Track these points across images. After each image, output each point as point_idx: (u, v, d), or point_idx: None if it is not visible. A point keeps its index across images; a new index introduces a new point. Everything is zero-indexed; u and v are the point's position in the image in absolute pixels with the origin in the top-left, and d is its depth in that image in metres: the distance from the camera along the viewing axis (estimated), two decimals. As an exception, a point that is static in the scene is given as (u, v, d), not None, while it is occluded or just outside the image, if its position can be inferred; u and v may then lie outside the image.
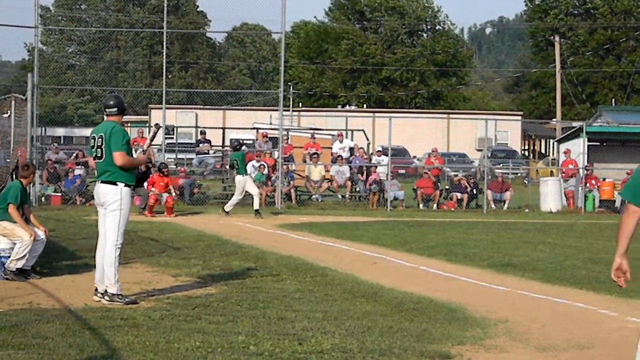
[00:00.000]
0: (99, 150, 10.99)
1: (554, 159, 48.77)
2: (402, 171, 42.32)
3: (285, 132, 34.23)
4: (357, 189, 32.53)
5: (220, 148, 39.19)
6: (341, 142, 34.82)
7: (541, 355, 8.60)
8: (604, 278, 13.54)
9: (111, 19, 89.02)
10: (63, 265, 14.06)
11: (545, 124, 72.96)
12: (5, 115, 23.79)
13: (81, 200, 29.69)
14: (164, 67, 32.99)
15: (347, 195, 32.30)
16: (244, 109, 63.68)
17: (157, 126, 13.12)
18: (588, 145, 33.27)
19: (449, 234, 21.33)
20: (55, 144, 41.20)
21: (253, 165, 30.69)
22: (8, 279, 12.57)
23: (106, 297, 10.81)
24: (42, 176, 29.89)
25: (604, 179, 32.93)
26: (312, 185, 32.18)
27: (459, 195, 32.01)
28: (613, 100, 78.70)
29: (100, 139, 10.97)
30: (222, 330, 9.09)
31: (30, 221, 13.17)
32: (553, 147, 63.50)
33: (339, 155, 33.05)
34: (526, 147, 77.73)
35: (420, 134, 55.88)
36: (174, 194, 26.77)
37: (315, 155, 32.52)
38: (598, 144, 35.58)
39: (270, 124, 43.03)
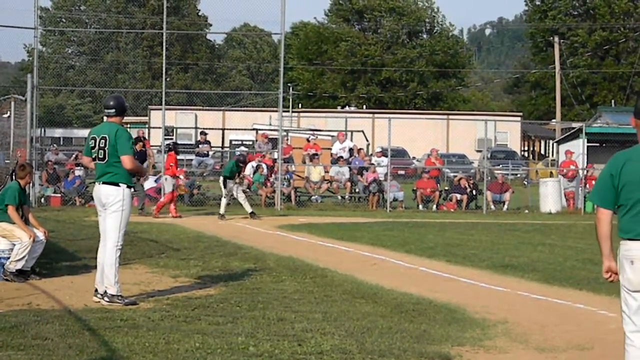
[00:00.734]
0: (101, 151, 10.97)
1: (554, 160, 48.78)
2: (401, 172, 42.30)
3: (284, 133, 34.23)
4: (357, 190, 32.53)
5: (220, 149, 39.18)
6: (342, 142, 34.81)
7: (541, 356, 8.60)
8: (603, 279, 13.56)
9: (111, 20, 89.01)
10: (62, 266, 14.06)
11: (544, 125, 72.98)
12: (5, 116, 23.79)
13: (81, 201, 29.69)
14: (164, 69, 32.98)
15: (346, 196, 32.30)
16: (243, 110, 63.68)
17: None
18: (587, 146, 33.28)
19: (448, 235, 21.32)
20: (54, 145, 41.19)
21: (252, 166, 30.70)
22: (7, 280, 12.57)
23: (106, 298, 10.81)
24: (41, 177, 29.91)
25: (604, 180, 32.86)
26: (312, 187, 32.19)
27: (458, 196, 32.00)
28: (612, 101, 78.72)
29: (102, 140, 10.94)
30: (221, 331, 9.09)
31: (29, 222, 13.16)
32: (553, 148, 63.54)
33: (340, 157, 33.05)
34: (526, 148, 77.75)
35: (420, 135, 55.83)
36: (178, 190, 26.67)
37: (315, 156, 32.52)
38: (597, 144, 35.56)
39: (270, 125, 43.01)
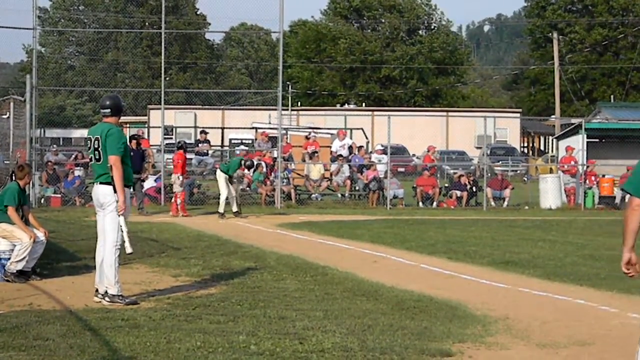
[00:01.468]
0: (96, 152, 10.95)
1: (553, 156, 48.77)
2: (401, 169, 42.29)
3: (284, 132, 34.22)
4: (357, 188, 32.53)
5: (220, 148, 39.16)
6: (341, 140, 34.80)
7: (542, 352, 8.60)
8: (604, 274, 13.58)
9: (110, 20, 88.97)
10: (63, 266, 14.07)
11: (544, 121, 73.01)
12: (4, 117, 23.80)
13: (81, 201, 29.68)
14: (163, 68, 32.98)
15: (346, 194, 32.30)
16: (242, 109, 63.66)
17: None
18: (587, 142, 33.28)
19: (449, 232, 21.33)
20: (54, 145, 41.19)
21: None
22: (8, 281, 12.56)
23: (106, 298, 10.81)
24: (41, 178, 29.91)
25: (604, 176, 32.92)
26: (312, 185, 32.18)
27: (458, 193, 32.01)
28: (612, 96, 78.77)
29: (96, 141, 10.93)
30: (222, 330, 9.09)
31: (29, 223, 13.15)
32: (552, 144, 63.53)
33: (339, 155, 33.04)
34: (525, 144, 77.74)
35: (419, 132, 55.85)
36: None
37: (315, 154, 32.52)
38: (597, 140, 35.57)
39: (269, 123, 43.02)
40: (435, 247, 17.82)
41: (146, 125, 47.68)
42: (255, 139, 37.68)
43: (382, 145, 34.93)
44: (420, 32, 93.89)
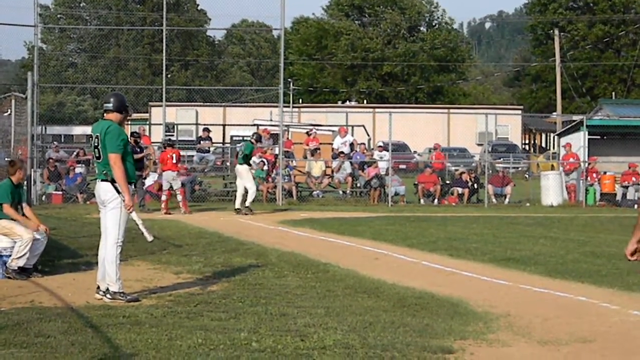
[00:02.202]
0: (96, 150, 10.94)
1: (555, 153, 48.75)
2: (402, 166, 42.27)
3: (285, 128, 34.22)
4: (358, 185, 32.53)
5: (221, 145, 39.16)
6: (343, 137, 34.79)
7: (543, 349, 8.60)
8: (605, 272, 13.58)
9: (111, 17, 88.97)
10: (64, 263, 14.06)
11: (545, 118, 72.94)
12: (6, 114, 23.78)
13: (82, 198, 29.71)
14: (164, 65, 32.98)
15: (347, 191, 32.31)
16: (244, 106, 63.67)
17: None
18: (588, 139, 33.26)
19: (450, 229, 21.32)
20: (55, 142, 41.19)
21: (254, 162, 30.69)
22: (10, 278, 12.56)
23: (108, 295, 10.81)
24: (42, 175, 29.92)
25: (605, 173, 32.91)
26: (313, 182, 32.19)
27: (459, 190, 32.02)
28: (613, 93, 78.72)
29: (96, 139, 10.92)
30: (224, 327, 9.09)
31: (28, 218, 13.11)
32: (553, 140, 63.51)
33: (341, 152, 33.04)
34: (527, 141, 77.70)
35: (421, 129, 55.81)
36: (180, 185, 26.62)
37: (317, 151, 32.51)
38: (598, 137, 35.54)
39: (271, 120, 43.01)
40: (436, 244, 17.81)
41: (148, 123, 47.66)
42: (257, 136, 37.62)
43: (384, 142, 34.93)
44: (421, 29, 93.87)
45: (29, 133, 27.32)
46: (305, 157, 33.14)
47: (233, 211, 25.64)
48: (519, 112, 69.47)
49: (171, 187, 25.94)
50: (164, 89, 31.97)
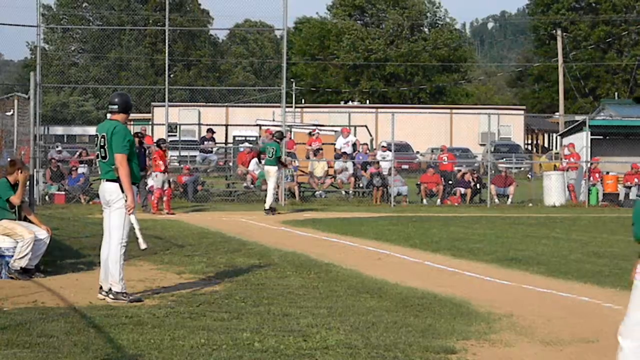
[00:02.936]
0: (102, 150, 10.94)
1: (557, 153, 48.72)
2: (405, 166, 42.27)
3: (287, 129, 34.22)
4: (361, 185, 32.52)
5: (224, 145, 39.19)
6: (345, 137, 34.78)
7: (546, 349, 8.60)
8: (608, 272, 13.57)
9: (114, 17, 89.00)
10: (67, 263, 14.06)
11: (548, 118, 72.97)
12: (8, 114, 23.79)
13: (85, 198, 29.71)
14: (167, 65, 32.98)
15: (350, 191, 32.30)
16: (246, 106, 63.71)
17: None
18: (591, 139, 33.25)
19: (452, 229, 21.32)
20: (58, 142, 41.23)
21: (255, 162, 30.70)
22: (12, 278, 12.56)
23: (110, 295, 10.81)
24: (45, 175, 29.92)
25: (608, 173, 32.90)
26: (316, 182, 32.18)
27: (462, 190, 32.01)
28: (616, 93, 78.69)
29: (102, 139, 10.92)
30: (226, 327, 9.09)
31: (30, 222, 13.09)
32: (556, 141, 63.48)
33: (344, 152, 33.03)
34: (529, 141, 77.68)
35: (423, 129, 55.83)
36: (172, 186, 26.50)
37: (319, 151, 32.50)
38: (601, 137, 35.54)
39: (273, 120, 43.03)
40: (439, 244, 17.81)
41: (150, 123, 47.70)
42: (259, 136, 37.67)
43: (386, 143, 34.93)
44: (424, 29, 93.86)
45: (32, 133, 27.28)
46: (307, 158, 33.13)
47: (262, 211, 25.63)
48: (522, 112, 69.47)
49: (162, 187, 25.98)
50: (166, 89, 31.98)
